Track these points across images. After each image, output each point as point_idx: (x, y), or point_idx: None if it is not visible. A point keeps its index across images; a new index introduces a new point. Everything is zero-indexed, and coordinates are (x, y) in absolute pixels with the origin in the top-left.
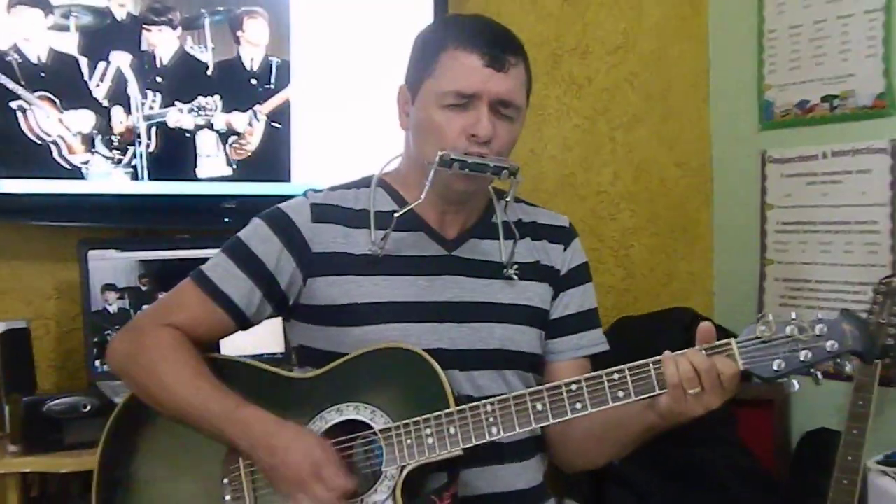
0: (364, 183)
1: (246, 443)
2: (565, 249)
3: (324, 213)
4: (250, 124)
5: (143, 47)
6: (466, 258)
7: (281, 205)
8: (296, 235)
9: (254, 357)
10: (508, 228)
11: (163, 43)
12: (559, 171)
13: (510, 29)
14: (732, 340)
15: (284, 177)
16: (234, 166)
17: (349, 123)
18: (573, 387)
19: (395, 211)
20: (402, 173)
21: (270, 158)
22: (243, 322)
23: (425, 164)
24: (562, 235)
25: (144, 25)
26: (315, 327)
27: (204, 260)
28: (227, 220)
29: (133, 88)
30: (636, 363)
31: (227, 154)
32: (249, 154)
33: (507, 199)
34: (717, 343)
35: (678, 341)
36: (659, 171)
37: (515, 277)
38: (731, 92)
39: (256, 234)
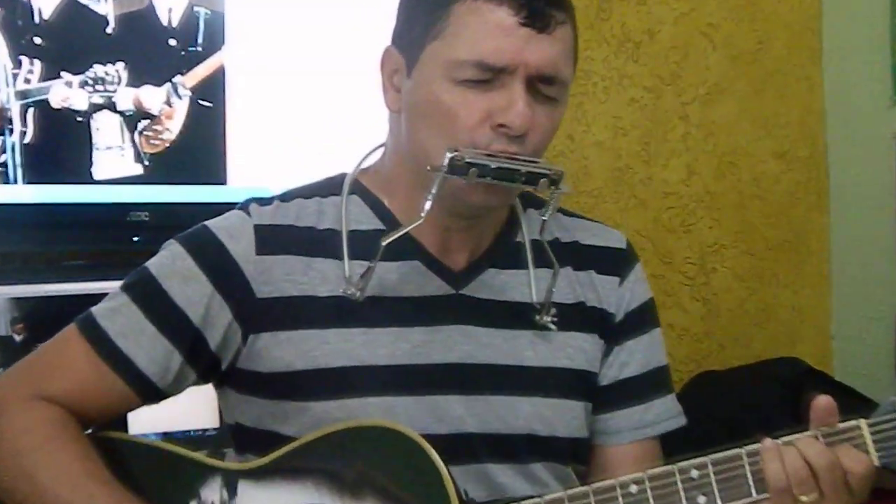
0: (332, 187)
1: None
2: (622, 283)
3: (274, 238)
4: (168, 103)
5: None
6: (481, 298)
7: (211, 223)
8: (233, 273)
9: (176, 435)
10: (541, 251)
11: None
12: (609, 164)
13: None
14: (863, 422)
15: (218, 177)
16: (147, 163)
17: (309, 102)
18: (633, 489)
19: (378, 231)
20: (387, 172)
21: (197, 152)
22: (154, 395)
23: (426, 167)
24: (616, 262)
25: None
26: (259, 401)
27: (102, 297)
28: (135, 238)
29: (0, 53)
30: (723, 454)
31: (135, 146)
32: (167, 145)
33: (545, 217)
34: (841, 426)
35: (782, 412)
36: (751, 163)
37: (553, 327)
38: (853, 50)
39: (175, 268)
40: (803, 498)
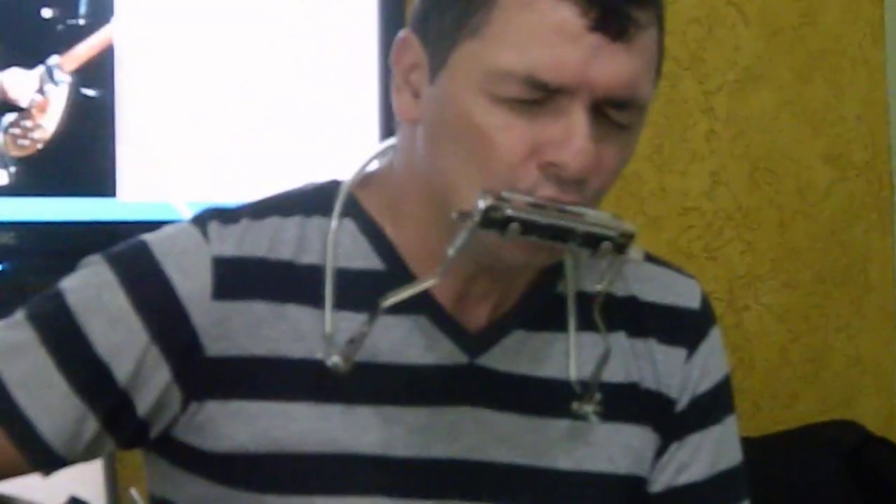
0: (319, 202)
1: None
2: (690, 357)
3: (239, 277)
4: (42, 92)
5: None
6: (502, 372)
7: (154, 242)
8: (178, 321)
9: None
10: (588, 309)
11: None
12: None
13: None
14: None
15: (105, 188)
16: (13, 169)
17: (224, 92)
18: None
19: (375, 273)
20: (394, 191)
21: (79, 155)
22: (52, 466)
23: (449, 209)
24: (685, 328)
25: None
26: (199, 480)
27: None
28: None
29: None
30: None
31: None
32: (40, 147)
33: (600, 289)
34: None
35: (836, 491)
36: (795, 170)
37: (596, 418)
38: None
39: (101, 302)
40: None
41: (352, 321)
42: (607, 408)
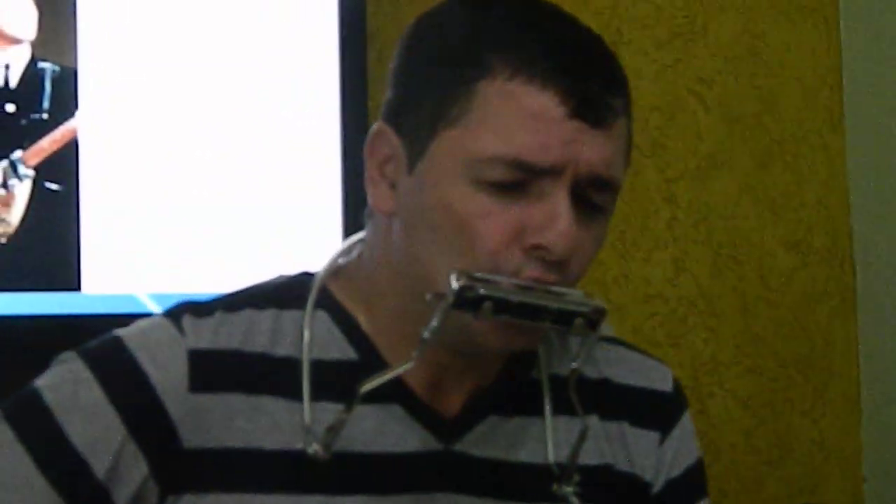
0: (293, 295)
1: None
2: (664, 441)
3: (214, 369)
4: (5, 186)
5: None
6: (478, 457)
7: (128, 337)
8: (155, 415)
9: None
10: (558, 394)
11: None
12: None
13: (600, 36)
14: None
15: (69, 282)
16: None
17: (188, 183)
18: None
19: (350, 364)
20: (366, 280)
21: (43, 248)
22: None
23: (425, 295)
24: (658, 411)
25: None
26: None
27: None
28: None
29: None
30: None
31: None
32: (4, 241)
33: (574, 367)
34: None
35: None
36: (758, 256)
37: (576, 501)
38: (883, 111)
39: (78, 399)
40: None
41: (328, 411)
42: (583, 490)
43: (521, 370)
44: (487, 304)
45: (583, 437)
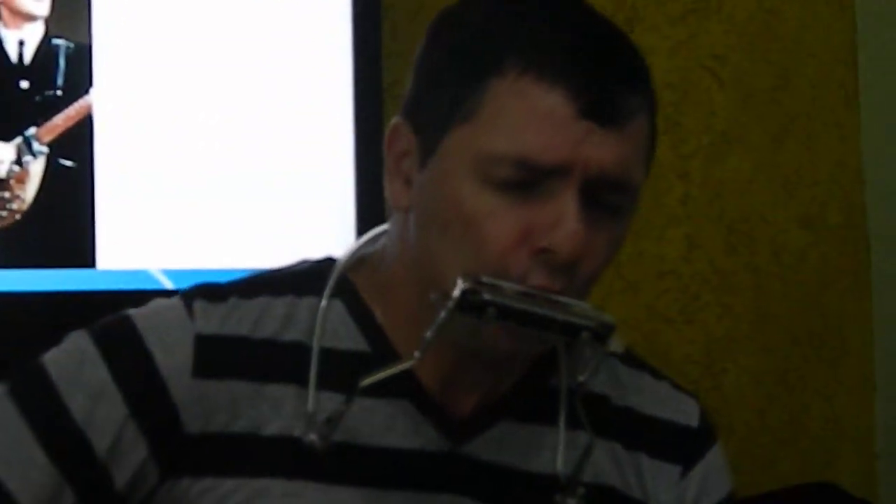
0: (312, 283)
1: None
2: (685, 475)
3: (220, 356)
4: (19, 163)
5: None
6: (486, 461)
7: (139, 317)
8: (158, 397)
9: None
10: (574, 409)
11: None
12: None
13: (623, 32)
14: None
15: (84, 259)
16: None
17: (201, 161)
18: None
19: (361, 355)
20: (386, 274)
21: (57, 225)
22: None
23: (430, 296)
24: (679, 445)
25: None
26: None
27: None
28: None
29: None
30: None
31: None
32: (18, 217)
33: (582, 379)
34: None
35: None
36: (771, 234)
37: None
38: None
39: (83, 376)
40: None
41: (334, 401)
42: None
43: (541, 378)
44: (491, 311)
45: (588, 451)
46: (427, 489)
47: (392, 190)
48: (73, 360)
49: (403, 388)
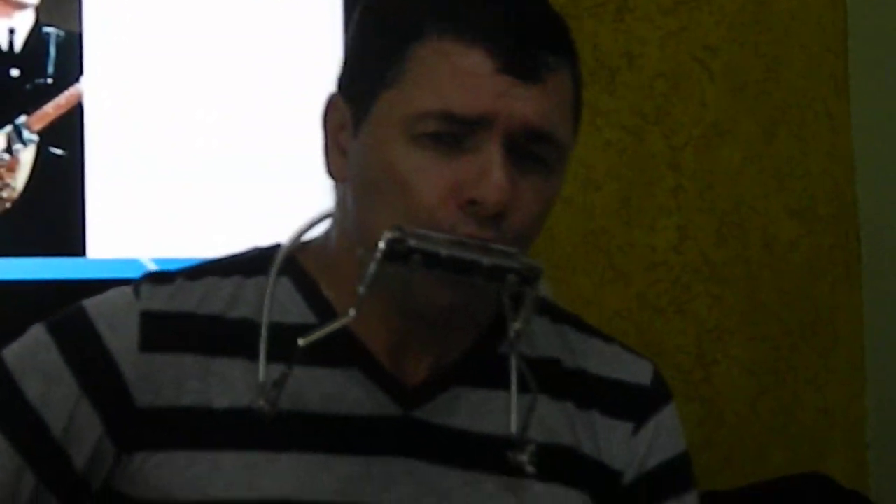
0: (259, 264)
1: None
2: (637, 431)
3: (165, 330)
4: (9, 151)
5: None
6: (438, 425)
7: (90, 304)
8: (108, 374)
9: None
10: (535, 371)
11: None
12: (579, 226)
13: None
14: None
15: (73, 247)
16: None
17: (192, 150)
18: None
19: (308, 326)
20: (331, 252)
21: (47, 214)
22: None
23: (358, 251)
24: (632, 402)
25: None
26: None
27: None
28: None
29: None
30: None
31: None
32: (8, 206)
33: (517, 327)
34: None
35: None
36: (762, 224)
37: (531, 469)
38: (888, 78)
39: (37, 361)
40: None
41: (277, 376)
42: (545, 466)
43: (489, 346)
44: (417, 257)
45: (533, 404)
46: (380, 453)
47: (330, 162)
48: (27, 348)
49: (352, 357)
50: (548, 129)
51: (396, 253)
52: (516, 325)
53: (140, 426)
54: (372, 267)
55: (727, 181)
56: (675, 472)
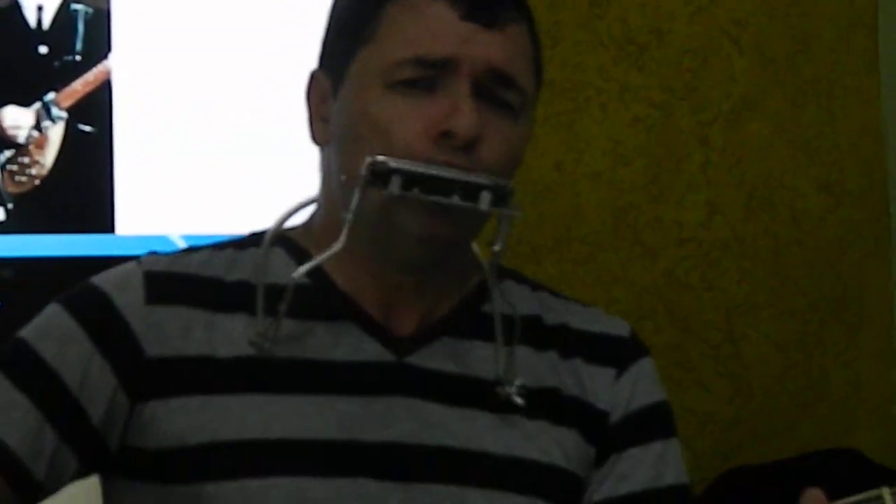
0: (249, 240)
1: None
2: (620, 376)
3: (169, 287)
4: (39, 128)
5: None
6: (430, 369)
7: (96, 277)
8: (117, 328)
9: None
10: (509, 331)
11: None
12: (607, 202)
13: None
14: (885, 490)
15: (102, 224)
16: (11, 206)
17: (217, 127)
18: None
19: (302, 287)
20: (317, 225)
21: (76, 191)
22: (26, 485)
23: (341, 177)
24: (614, 351)
25: None
26: (152, 489)
27: None
28: None
29: None
30: None
31: None
32: (37, 183)
33: (496, 248)
34: (862, 496)
35: None
36: (791, 199)
37: (519, 400)
38: None
39: (51, 328)
40: None
41: (282, 324)
42: (532, 405)
43: (475, 305)
44: (396, 178)
45: (513, 341)
46: (378, 393)
47: (314, 131)
48: (41, 320)
49: (347, 313)
50: (509, 71)
51: (378, 174)
52: (495, 247)
53: (151, 375)
54: (355, 193)
55: (756, 156)
56: (661, 417)
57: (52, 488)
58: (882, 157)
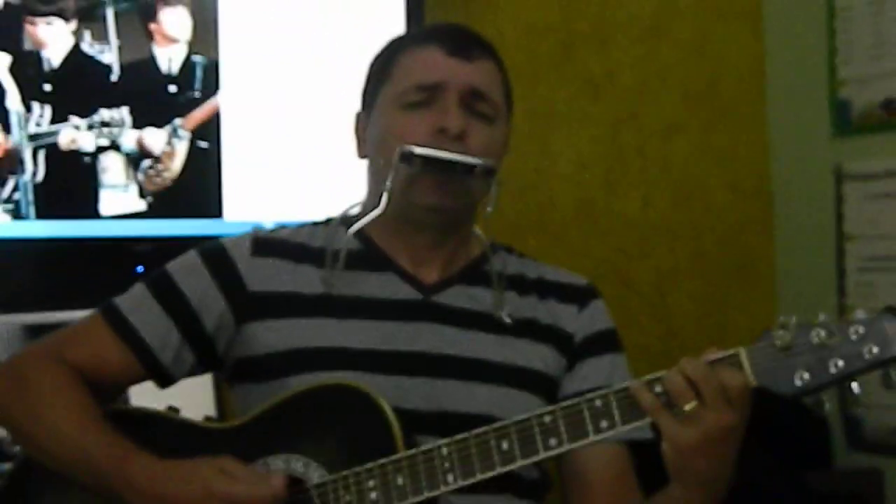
0: (324, 222)
1: (134, 497)
2: (581, 310)
3: (268, 246)
4: (169, 144)
5: (27, 46)
6: (449, 305)
7: (223, 238)
8: (229, 269)
9: None
10: (508, 281)
11: (52, 39)
12: (573, 196)
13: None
14: (742, 349)
15: (214, 212)
16: (149, 199)
17: (298, 142)
18: (546, 419)
19: (357, 251)
20: (365, 210)
21: (196, 188)
22: (156, 368)
23: (380, 161)
24: (577, 295)
25: (27, 17)
26: (255, 386)
27: None
28: (140, 268)
29: (13, 100)
30: (622, 385)
31: (139, 184)
32: (169, 183)
33: (489, 210)
34: (721, 354)
35: None
36: (704, 194)
37: (508, 320)
38: (795, 89)
39: (185, 265)
40: (686, 407)
41: (344, 275)
42: (519, 328)
43: (479, 266)
44: (418, 160)
45: (503, 287)
46: (409, 320)
47: (358, 150)
48: (181, 259)
49: (388, 266)
50: (483, 90)
51: (405, 155)
52: (489, 209)
53: (251, 304)
54: (392, 171)
55: (680, 164)
56: (611, 338)
57: (176, 374)
58: (768, 167)
